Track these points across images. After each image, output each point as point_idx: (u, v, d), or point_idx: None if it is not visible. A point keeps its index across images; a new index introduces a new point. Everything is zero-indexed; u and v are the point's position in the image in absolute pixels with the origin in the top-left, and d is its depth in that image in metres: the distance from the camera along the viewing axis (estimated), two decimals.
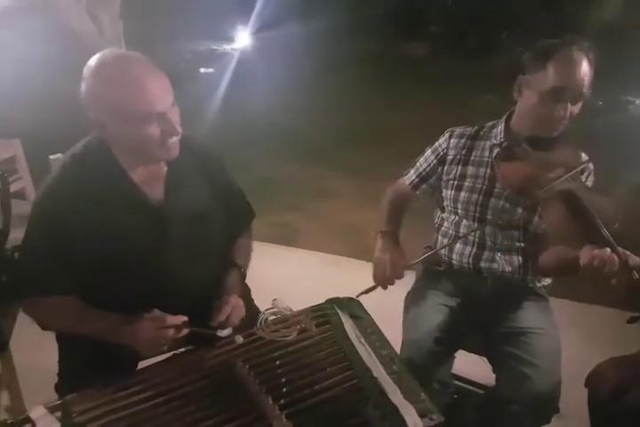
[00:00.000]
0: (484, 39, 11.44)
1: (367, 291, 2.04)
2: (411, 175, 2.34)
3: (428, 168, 2.28)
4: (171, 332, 1.59)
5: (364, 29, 11.68)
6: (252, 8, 11.45)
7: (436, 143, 2.28)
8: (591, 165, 2.11)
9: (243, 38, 12.05)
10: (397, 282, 2.05)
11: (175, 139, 1.64)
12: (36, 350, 2.14)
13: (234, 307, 1.76)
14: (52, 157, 1.86)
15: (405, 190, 2.37)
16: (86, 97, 1.58)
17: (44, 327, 1.77)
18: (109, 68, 1.54)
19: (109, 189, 1.68)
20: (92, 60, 1.56)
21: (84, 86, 1.57)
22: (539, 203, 1.98)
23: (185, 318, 1.62)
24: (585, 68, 1.90)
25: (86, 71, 1.56)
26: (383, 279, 2.04)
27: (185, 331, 1.62)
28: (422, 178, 2.31)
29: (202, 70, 10.28)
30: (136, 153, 1.69)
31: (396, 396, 1.50)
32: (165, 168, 1.78)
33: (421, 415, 1.45)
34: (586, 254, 1.71)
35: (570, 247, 1.85)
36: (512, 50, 10.06)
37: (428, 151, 2.30)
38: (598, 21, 10.00)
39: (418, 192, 2.33)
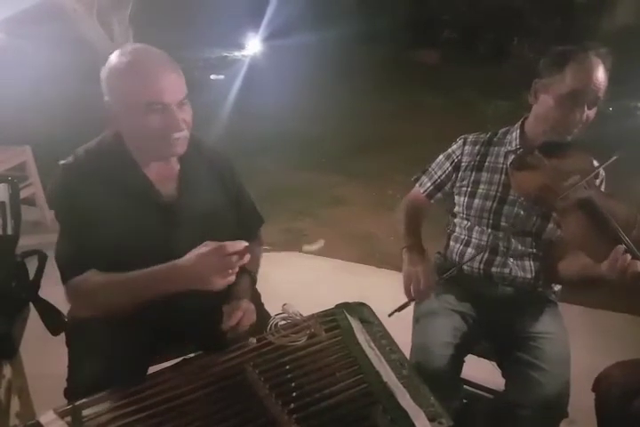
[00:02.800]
0: (497, 46, 11.44)
1: (401, 308, 2.02)
2: (425, 183, 2.33)
3: (443, 175, 2.27)
4: (235, 258, 1.52)
5: (376, 36, 11.69)
6: (262, 15, 11.51)
7: (450, 150, 2.27)
8: (603, 172, 2.10)
9: (253, 45, 12.10)
10: None
11: (179, 135, 1.66)
12: (46, 356, 2.14)
13: (245, 311, 1.76)
14: (62, 162, 1.86)
15: (420, 200, 2.35)
16: (103, 82, 1.65)
17: (94, 307, 1.72)
18: (126, 55, 1.61)
19: (122, 182, 1.72)
20: (117, 50, 1.65)
21: (102, 71, 1.64)
22: (555, 211, 1.97)
23: (246, 243, 1.54)
24: (601, 72, 1.92)
25: (109, 58, 1.64)
26: (418, 293, 2.02)
27: (247, 257, 1.55)
28: (437, 186, 2.29)
29: (212, 77, 10.31)
30: (144, 147, 1.72)
31: (405, 400, 1.49)
32: (178, 167, 1.81)
33: (431, 419, 1.44)
34: (613, 264, 1.72)
35: (590, 256, 1.84)
36: (524, 56, 10.09)
37: (442, 158, 2.30)
38: (610, 28, 9.99)
39: (432, 201, 2.32)
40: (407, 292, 2.05)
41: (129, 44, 1.68)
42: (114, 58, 1.63)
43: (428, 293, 2.04)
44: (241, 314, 1.73)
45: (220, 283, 1.53)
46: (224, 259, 1.50)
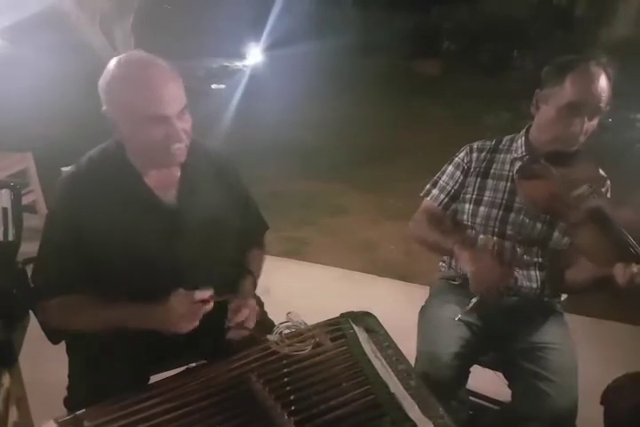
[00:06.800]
0: (497, 56, 11.48)
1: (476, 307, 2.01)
2: (438, 196, 2.27)
3: (457, 185, 2.23)
4: (201, 306, 1.60)
5: (378, 46, 11.74)
6: (264, 25, 11.56)
7: (457, 159, 2.24)
8: (608, 182, 2.08)
9: (255, 55, 12.15)
10: (411, 296, 2.01)
11: (179, 146, 1.65)
12: (45, 364, 2.11)
13: (251, 310, 1.76)
14: (64, 168, 1.86)
15: (435, 213, 2.28)
16: (100, 90, 1.62)
17: (64, 327, 1.76)
18: (126, 66, 1.58)
19: (123, 189, 1.71)
20: (116, 58, 1.61)
21: (101, 80, 1.61)
22: (565, 221, 1.94)
23: (211, 293, 1.62)
24: (603, 83, 1.89)
25: (107, 66, 1.60)
26: (496, 290, 1.93)
27: (211, 304, 1.62)
28: (452, 197, 2.25)
29: (214, 86, 10.34)
30: (144, 156, 1.72)
31: (414, 412, 1.46)
32: (179, 173, 1.80)
33: None
34: (623, 273, 1.71)
35: (601, 265, 1.82)
36: (525, 68, 10.12)
37: (451, 168, 2.26)
38: (609, 40, 10.03)
39: (448, 212, 2.28)
40: (480, 288, 1.96)
41: (127, 52, 1.65)
42: (111, 68, 1.59)
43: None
44: (247, 311, 1.72)
45: (186, 327, 1.60)
46: (192, 306, 1.59)
